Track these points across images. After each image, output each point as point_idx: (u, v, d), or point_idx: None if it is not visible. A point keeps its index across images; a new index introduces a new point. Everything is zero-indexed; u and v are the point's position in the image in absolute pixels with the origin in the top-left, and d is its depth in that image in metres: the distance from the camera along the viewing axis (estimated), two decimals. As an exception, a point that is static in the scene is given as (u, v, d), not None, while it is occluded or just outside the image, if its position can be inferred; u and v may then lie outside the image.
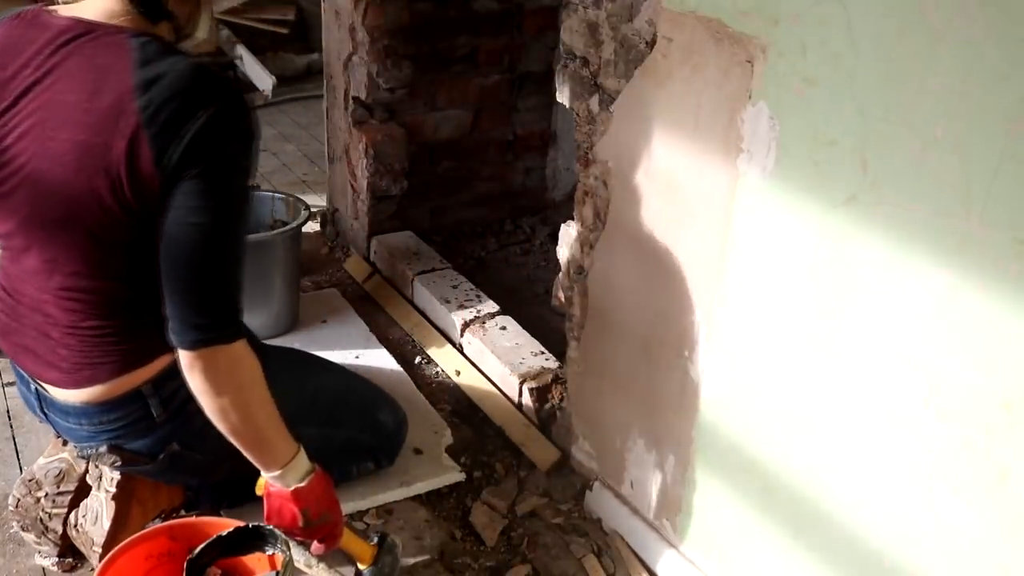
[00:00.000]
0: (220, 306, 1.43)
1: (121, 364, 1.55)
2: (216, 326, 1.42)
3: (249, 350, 1.47)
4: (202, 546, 1.46)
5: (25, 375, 1.65)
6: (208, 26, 1.58)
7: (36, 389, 1.64)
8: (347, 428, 1.92)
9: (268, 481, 1.54)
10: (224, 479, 1.85)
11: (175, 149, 1.36)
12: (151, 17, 1.45)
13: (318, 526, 1.55)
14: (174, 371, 1.49)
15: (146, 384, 1.56)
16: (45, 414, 1.66)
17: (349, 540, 1.66)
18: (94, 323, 1.52)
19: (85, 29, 1.42)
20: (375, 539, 1.72)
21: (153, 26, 1.46)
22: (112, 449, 1.61)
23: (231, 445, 1.54)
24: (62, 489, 1.74)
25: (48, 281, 1.51)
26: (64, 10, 1.46)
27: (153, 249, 1.42)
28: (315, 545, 1.57)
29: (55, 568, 1.78)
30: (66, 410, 1.60)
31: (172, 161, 1.36)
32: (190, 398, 1.51)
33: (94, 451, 1.62)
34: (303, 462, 1.54)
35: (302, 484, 1.52)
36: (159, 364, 1.56)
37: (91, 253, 1.47)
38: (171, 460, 1.63)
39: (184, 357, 1.42)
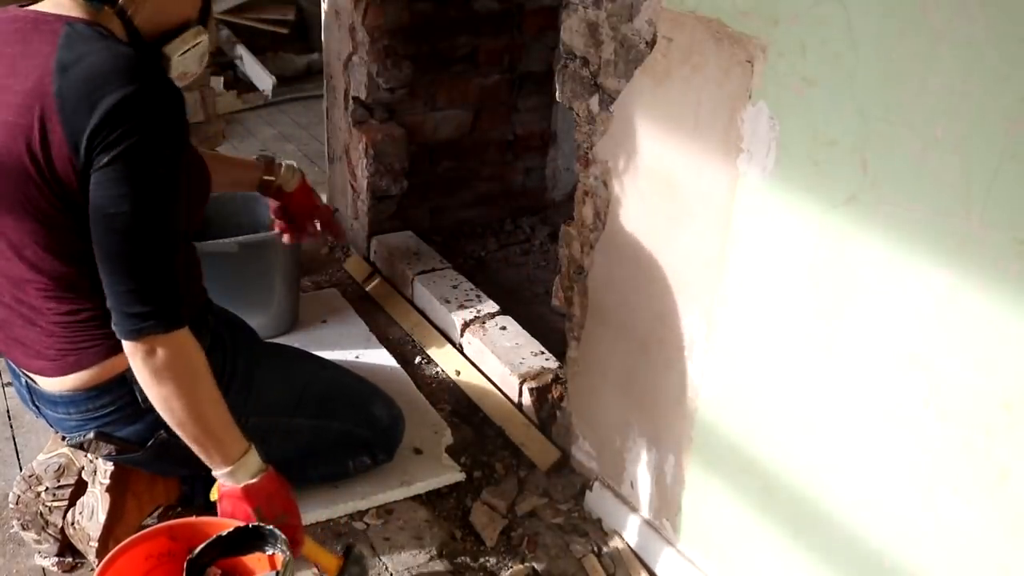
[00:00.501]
0: (153, 295, 1.42)
1: (105, 348, 1.55)
2: (151, 315, 1.41)
3: (192, 340, 1.46)
4: (202, 546, 1.46)
5: (16, 369, 1.67)
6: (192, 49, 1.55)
7: (26, 383, 1.66)
8: (340, 421, 1.92)
9: (220, 482, 1.53)
10: None
11: (84, 134, 1.34)
12: (93, 3, 1.44)
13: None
14: None
15: (129, 370, 1.53)
16: (37, 407, 1.68)
17: (313, 550, 1.62)
18: (71, 307, 1.53)
19: (33, 18, 1.43)
20: (341, 550, 1.70)
21: (97, 14, 1.44)
22: (100, 436, 1.61)
23: None
24: (62, 483, 1.75)
25: (16, 268, 1.51)
26: (35, 6, 1.47)
27: None
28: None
29: (55, 568, 1.78)
30: (54, 400, 1.61)
31: (82, 146, 1.35)
32: None
33: (84, 439, 1.62)
34: (254, 460, 1.52)
35: (253, 481, 1.51)
36: None
37: (43, 237, 1.47)
38: (159, 448, 1.64)
39: (126, 347, 1.43)
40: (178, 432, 1.49)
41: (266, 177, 2.03)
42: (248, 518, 1.51)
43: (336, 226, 2.16)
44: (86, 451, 1.67)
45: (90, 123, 1.34)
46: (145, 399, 1.55)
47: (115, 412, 1.61)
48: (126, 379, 1.57)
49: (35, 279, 1.52)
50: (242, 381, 1.72)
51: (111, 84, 1.35)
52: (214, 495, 1.56)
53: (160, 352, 1.43)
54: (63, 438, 1.77)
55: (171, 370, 1.44)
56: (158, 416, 1.55)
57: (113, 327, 1.44)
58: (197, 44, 1.55)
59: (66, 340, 1.55)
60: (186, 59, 1.55)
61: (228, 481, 1.52)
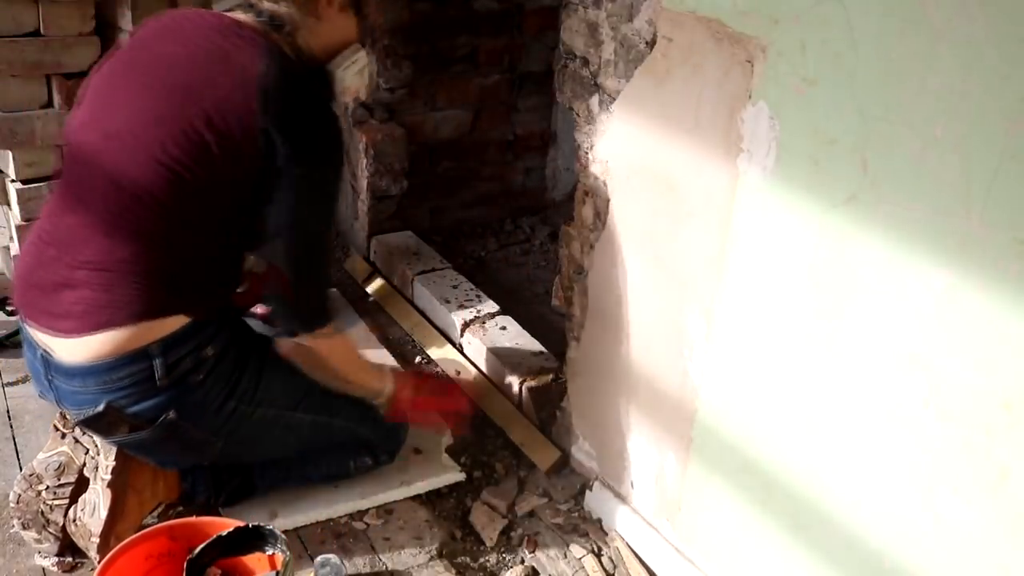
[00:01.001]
0: (321, 299, 1.80)
1: (140, 310, 1.59)
2: (320, 318, 1.78)
3: (343, 334, 1.89)
4: (202, 546, 1.47)
5: (33, 340, 1.68)
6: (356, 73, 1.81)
7: (42, 354, 1.66)
8: (343, 419, 1.93)
9: (385, 401, 1.96)
10: (217, 464, 1.86)
11: (276, 133, 1.58)
12: (269, 25, 1.69)
13: (437, 399, 2.08)
14: (183, 337, 1.61)
15: (154, 344, 1.60)
16: (49, 381, 1.68)
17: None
18: (133, 259, 1.60)
19: (236, 23, 1.68)
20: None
21: (269, 33, 1.68)
22: (111, 410, 1.62)
23: (224, 423, 1.69)
24: (63, 481, 1.75)
25: (104, 210, 1.61)
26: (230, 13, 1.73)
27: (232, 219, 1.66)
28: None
29: (55, 568, 1.78)
30: (71, 372, 1.62)
31: (278, 141, 1.59)
32: (193, 369, 1.62)
33: (93, 411, 1.63)
34: (388, 382, 1.97)
35: (393, 393, 1.97)
36: (171, 324, 1.61)
37: (167, 186, 1.59)
38: (166, 429, 1.65)
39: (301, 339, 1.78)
40: (344, 387, 1.89)
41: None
42: (413, 400, 2.00)
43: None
44: (94, 429, 1.67)
45: (284, 128, 1.59)
46: (162, 378, 1.61)
47: (131, 387, 1.62)
48: (148, 353, 1.60)
49: (123, 218, 1.60)
50: (252, 373, 1.75)
51: (302, 101, 1.65)
52: (391, 411, 1.99)
53: (317, 341, 1.78)
54: (66, 427, 1.78)
55: (326, 349, 1.82)
56: (170, 396, 1.61)
57: (285, 326, 1.76)
58: (356, 60, 1.78)
59: (106, 292, 1.59)
60: (348, 74, 1.78)
61: (384, 399, 1.97)
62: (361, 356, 2.01)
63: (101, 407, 1.62)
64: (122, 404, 1.63)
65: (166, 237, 1.62)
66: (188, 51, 1.65)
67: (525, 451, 2.17)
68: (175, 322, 1.62)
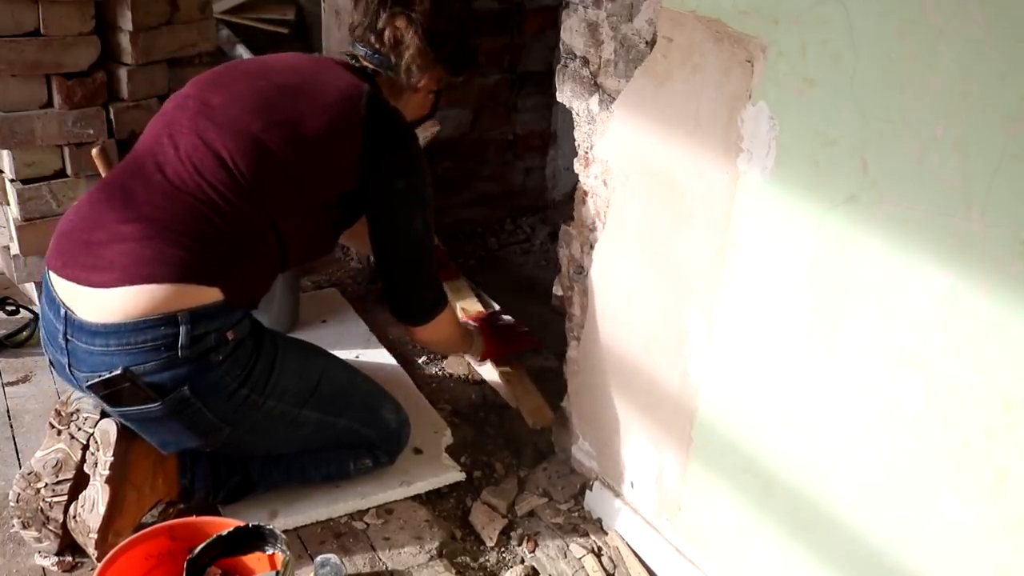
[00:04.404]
0: (432, 290, 2.07)
1: (182, 272, 1.64)
2: (435, 307, 2.06)
3: (450, 314, 2.13)
4: (202, 546, 1.47)
5: (57, 299, 1.68)
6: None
7: (65, 313, 1.66)
8: (348, 419, 1.93)
9: (477, 356, 2.40)
10: (217, 458, 1.86)
11: (383, 157, 1.87)
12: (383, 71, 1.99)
13: (510, 336, 2.45)
14: (212, 312, 1.64)
15: (184, 312, 1.62)
16: (66, 342, 1.67)
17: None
18: (199, 225, 1.68)
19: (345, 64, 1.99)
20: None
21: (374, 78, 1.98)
22: (126, 375, 1.62)
23: (234, 410, 1.71)
24: (61, 478, 1.75)
25: (215, 172, 1.72)
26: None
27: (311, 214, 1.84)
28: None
29: (55, 568, 1.78)
30: (94, 331, 1.63)
31: (379, 162, 1.87)
32: (215, 348, 1.64)
33: (108, 375, 1.62)
34: (477, 343, 2.34)
35: (478, 343, 2.35)
36: (205, 295, 1.65)
37: (255, 163, 1.74)
38: (177, 404, 1.65)
39: (419, 332, 2.09)
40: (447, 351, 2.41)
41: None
42: (502, 346, 2.39)
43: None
44: (105, 396, 1.65)
45: (384, 144, 1.87)
46: (185, 347, 1.62)
47: (153, 351, 1.62)
48: (177, 320, 1.62)
49: (217, 183, 1.71)
50: (265, 365, 1.76)
51: (400, 127, 1.93)
52: (489, 361, 2.43)
53: (433, 325, 2.07)
54: (60, 433, 1.78)
55: (444, 332, 2.15)
56: (189, 370, 1.63)
57: (403, 316, 2.05)
58: (432, 132, 2.16)
59: (154, 249, 1.63)
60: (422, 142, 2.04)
61: (477, 352, 2.37)
62: (462, 324, 2.31)
63: (119, 370, 1.62)
64: (140, 370, 1.62)
65: (233, 208, 1.70)
66: (293, 64, 1.91)
67: (520, 406, 2.27)
68: (209, 294, 1.65)
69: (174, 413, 1.67)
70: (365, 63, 1.96)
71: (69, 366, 1.69)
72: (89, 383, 1.65)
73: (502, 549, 1.92)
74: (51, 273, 1.71)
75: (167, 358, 1.62)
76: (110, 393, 1.64)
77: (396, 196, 1.91)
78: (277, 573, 1.49)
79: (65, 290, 1.67)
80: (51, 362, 1.77)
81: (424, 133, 2.08)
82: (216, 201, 1.70)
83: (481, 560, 1.90)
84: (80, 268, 1.66)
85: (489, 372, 2.42)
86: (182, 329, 1.62)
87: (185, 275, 1.63)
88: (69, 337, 1.67)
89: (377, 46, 1.95)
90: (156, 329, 1.61)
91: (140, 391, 1.64)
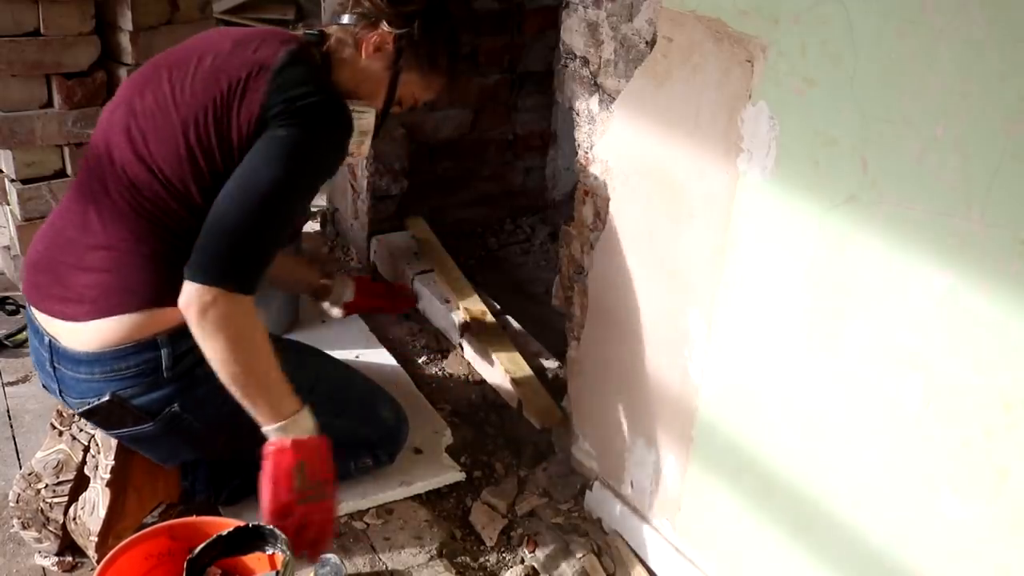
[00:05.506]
0: (247, 257, 1.54)
1: (153, 296, 1.59)
2: (233, 272, 1.51)
3: (252, 309, 1.54)
4: (202, 546, 1.47)
5: (40, 328, 1.68)
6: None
7: (49, 341, 1.66)
8: (346, 419, 1.93)
9: (270, 440, 1.57)
10: (218, 461, 1.86)
11: (276, 107, 1.56)
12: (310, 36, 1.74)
13: (311, 502, 1.55)
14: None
15: (163, 334, 1.60)
16: (54, 369, 1.68)
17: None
18: (148, 243, 1.60)
19: (272, 32, 1.74)
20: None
21: (308, 46, 1.71)
22: (116, 400, 1.62)
23: (228, 417, 1.58)
24: (61, 479, 1.75)
25: (124, 191, 1.61)
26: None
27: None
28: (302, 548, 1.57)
29: (55, 568, 1.78)
30: (78, 359, 1.63)
31: (270, 114, 1.56)
32: (200, 361, 1.58)
33: (97, 402, 1.62)
34: (307, 419, 1.59)
35: (304, 437, 1.57)
36: (180, 315, 1.59)
37: (197, 169, 1.59)
38: (169, 422, 1.65)
39: (192, 290, 1.50)
40: (232, 386, 1.54)
41: (324, 282, 2.27)
42: (289, 473, 1.54)
43: (402, 298, 2.48)
44: (96, 420, 1.67)
45: (287, 95, 1.57)
46: (169, 368, 1.61)
47: (138, 377, 1.62)
48: (156, 343, 1.61)
49: (142, 198, 1.60)
50: None
51: (310, 86, 1.60)
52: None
53: (222, 305, 1.50)
54: (60, 434, 1.77)
55: (231, 322, 1.51)
56: (176, 388, 1.60)
57: (189, 267, 1.51)
58: (363, 114, 1.73)
59: (120, 277, 1.59)
60: (354, 120, 1.71)
61: (278, 435, 1.56)
62: (270, 358, 1.59)
63: (106, 397, 1.62)
64: (127, 394, 1.63)
65: (182, 221, 1.62)
66: (223, 44, 1.68)
67: (524, 408, 2.24)
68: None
69: (168, 431, 1.67)
70: (323, 29, 1.77)
71: (60, 392, 1.71)
72: (80, 411, 1.67)
73: (502, 549, 1.92)
74: (30, 305, 1.71)
75: (152, 380, 1.63)
76: (101, 418, 1.66)
77: (270, 141, 1.56)
78: (277, 573, 1.49)
79: (45, 321, 1.67)
80: (44, 386, 1.77)
81: (356, 115, 1.71)
82: (162, 218, 1.62)
83: (481, 560, 1.89)
84: (54, 301, 1.65)
85: (490, 372, 2.42)
86: (163, 352, 1.61)
87: (155, 299, 1.60)
88: (56, 365, 1.67)
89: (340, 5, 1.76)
90: (137, 355, 1.61)
91: (130, 414, 1.64)
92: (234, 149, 1.59)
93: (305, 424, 1.58)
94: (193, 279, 1.50)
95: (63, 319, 1.63)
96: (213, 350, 1.52)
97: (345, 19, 1.74)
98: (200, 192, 1.60)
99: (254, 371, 1.54)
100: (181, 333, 1.59)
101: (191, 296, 1.49)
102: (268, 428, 1.56)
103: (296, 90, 1.58)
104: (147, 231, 1.61)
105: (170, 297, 1.59)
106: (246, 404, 1.55)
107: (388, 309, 2.45)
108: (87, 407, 1.65)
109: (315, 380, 1.88)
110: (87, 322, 1.61)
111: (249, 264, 1.54)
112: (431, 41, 1.77)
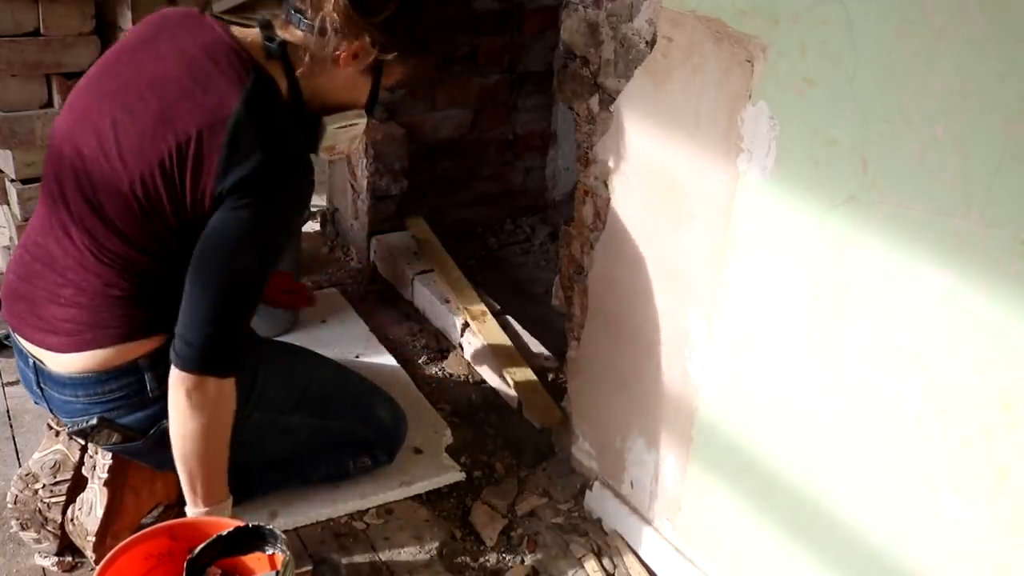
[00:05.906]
0: (230, 339, 1.54)
1: (126, 331, 1.59)
2: (220, 357, 1.53)
3: (233, 388, 1.57)
4: (202, 546, 1.46)
5: (24, 350, 1.68)
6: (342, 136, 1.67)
7: (34, 363, 1.66)
8: (342, 420, 1.93)
9: (189, 515, 1.63)
10: None
11: (235, 177, 1.46)
12: (269, 49, 1.57)
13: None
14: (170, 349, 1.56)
15: (143, 358, 1.60)
16: (41, 390, 1.68)
17: None
18: (116, 286, 1.57)
19: (229, 48, 1.55)
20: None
21: (267, 61, 1.57)
22: (104, 422, 1.62)
23: None
24: (59, 479, 1.76)
25: (84, 238, 1.56)
26: (231, 28, 1.60)
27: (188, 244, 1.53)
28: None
29: (55, 568, 1.78)
30: (62, 382, 1.62)
31: (227, 183, 1.47)
32: None
33: (86, 424, 1.63)
34: (228, 512, 1.65)
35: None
36: (157, 341, 1.60)
37: (140, 221, 1.53)
38: (160, 438, 1.64)
39: (179, 375, 1.52)
40: (178, 460, 1.58)
41: None
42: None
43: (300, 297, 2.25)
44: (87, 438, 1.67)
45: (244, 171, 1.46)
46: (155, 389, 1.60)
47: (123, 398, 1.62)
48: (138, 366, 1.60)
49: (100, 253, 1.56)
50: (247, 375, 1.72)
51: (268, 150, 1.49)
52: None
53: (210, 391, 1.53)
54: (60, 425, 1.78)
55: (211, 409, 1.55)
56: (163, 406, 1.58)
57: (176, 354, 1.52)
58: (355, 124, 1.66)
59: (91, 313, 1.57)
60: (340, 134, 1.66)
61: (195, 515, 1.63)
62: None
63: (94, 420, 1.62)
64: (114, 416, 1.63)
65: (149, 270, 1.58)
66: (171, 73, 1.53)
67: (524, 408, 2.23)
68: (161, 338, 1.60)
69: (159, 446, 1.66)
70: (282, 32, 1.58)
71: (50, 410, 1.71)
72: (70, 431, 1.67)
73: (502, 549, 1.92)
74: (11, 330, 1.70)
75: (138, 401, 1.62)
76: (92, 438, 1.66)
77: (236, 223, 1.50)
78: (277, 573, 1.49)
79: (28, 346, 1.67)
80: (36, 402, 1.76)
81: (346, 127, 1.65)
82: (126, 265, 1.57)
83: (481, 560, 1.89)
84: (33, 330, 1.63)
85: (490, 373, 2.42)
86: (147, 375, 1.61)
87: (129, 334, 1.59)
88: (43, 386, 1.67)
89: (300, 5, 1.55)
90: (120, 379, 1.61)
91: (120, 432, 1.65)
92: (188, 211, 1.52)
93: (224, 515, 1.62)
94: (183, 368, 1.51)
95: (43, 347, 1.63)
96: (183, 426, 1.55)
97: (319, 34, 1.55)
98: (159, 245, 1.56)
99: (208, 453, 1.58)
100: (163, 353, 1.58)
101: (178, 379, 1.52)
102: (193, 509, 1.62)
103: (252, 159, 1.46)
104: (113, 276, 1.57)
105: (142, 329, 1.59)
106: (183, 478, 1.59)
107: (286, 304, 2.23)
108: (77, 428, 1.65)
109: (307, 384, 1.88)
110: (65, 353, 1.60)
111: (235, 347, 1.56)
112: (406, 28, 1.64)
